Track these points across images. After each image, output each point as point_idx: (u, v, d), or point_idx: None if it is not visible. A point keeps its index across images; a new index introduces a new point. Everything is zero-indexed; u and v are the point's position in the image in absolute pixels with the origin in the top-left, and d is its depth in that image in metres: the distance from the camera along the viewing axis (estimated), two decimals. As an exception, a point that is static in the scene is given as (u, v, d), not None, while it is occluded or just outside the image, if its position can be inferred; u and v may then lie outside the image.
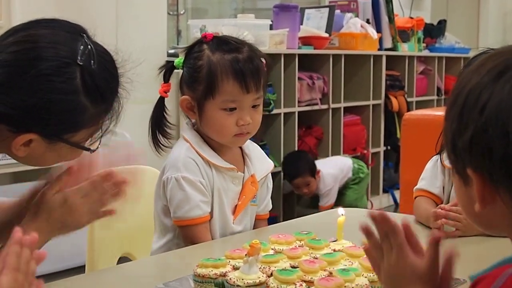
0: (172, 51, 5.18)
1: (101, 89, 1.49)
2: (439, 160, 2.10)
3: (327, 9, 5.65)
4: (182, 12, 6.31)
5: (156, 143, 1.99)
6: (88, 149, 1.51)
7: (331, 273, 1.44)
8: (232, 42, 1.93)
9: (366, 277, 1.43)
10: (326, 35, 5.48)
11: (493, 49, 1.92)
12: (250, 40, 4.84)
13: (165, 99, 2.04)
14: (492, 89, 0.87)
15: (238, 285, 1.41)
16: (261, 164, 2.05)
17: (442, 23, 7.13)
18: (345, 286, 1.38)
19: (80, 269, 2.07)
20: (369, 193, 5.75)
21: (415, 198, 2.13)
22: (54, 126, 1.43)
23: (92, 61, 1.47)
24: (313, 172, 5.00)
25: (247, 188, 1.97)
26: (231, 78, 1.87)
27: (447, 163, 2.05)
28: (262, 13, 5.99)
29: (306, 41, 5.32)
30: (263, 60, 1.94)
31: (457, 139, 0.91)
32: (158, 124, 2.00)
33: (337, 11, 5.74)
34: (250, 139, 2.01)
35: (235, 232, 1.95)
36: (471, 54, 6.95)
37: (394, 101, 6.00)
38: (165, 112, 2.02)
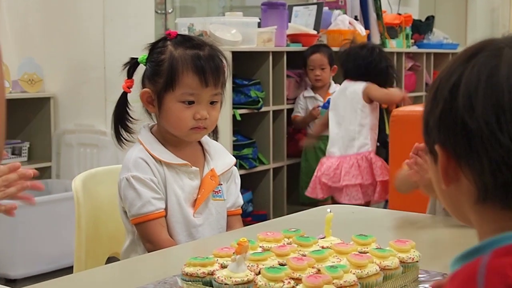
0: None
1: None
2: None
3: (315, 6, 5.65)
4: (170, 11, 6.30)
5: (118, 137, 2.06)
6: None
7: (319, 270, 1.44)
8: (195, 39, 2.02)
9: (354, 273, 1.43)
10: (315, 32, 5.48)
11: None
12: (238, 38, 4.86)
13: (129, 94, 2.09)
14: (462, 69, 0.90)
15: (226, 284, 1.40)
16: (222, 159, 2.09)
17: (430, 19, 7.14)
18: (333, 283, 1.37)
19: (68, 270, 2.06)
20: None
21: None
22: None
23: None
24: (331, 60, 5.07)
25: (206, 182, 2.02)
26: (191, 72, 1.94)
27: None
28: (250, 10, 5.99)
29: (294, 38, 5.32)
30: (224, 61, 2.00)
31: (429, 118, 0.94)
32: (121, 119, 2.06)
33: (325, 8, 5.74)
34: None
35: (197, 225, 1.98)
36: (460, 49, 6.96)
37: (383, 97, 6.00)
38: (128, 107, 2.07)
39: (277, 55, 5.01)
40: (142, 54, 2.04)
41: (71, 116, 4.78)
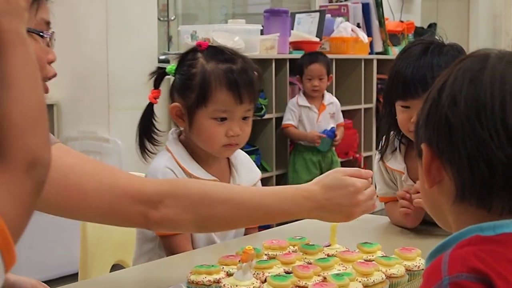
0: (163, 57, 5.17)
1: None
2: (379, 160, 2.12)
3: (317, 14, 5.66)
4: (172, 18, 6.30)
5: (143, 149, 1.97)
6: (40, 32, 1.46)
7: (325, 278, 1.44)
8: (226, 52, 1.93)
9: (360, 281, 1.43)
10: (317, 39, 5.48)
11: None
12: (240, 45, 4.86)
13: (154, 105, 2.02)
14: (450, 71, 0.96)
15: (232, 292, 1.40)
16: (248, 173, 2.03)
17: (432, 27, 7.15)
18: (339, 291, 1.37)
19: (73, 277, 2.06)
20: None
21: (385, 204, 2.16)
22: None
23: None
24: (329, 69, 5.01)
25: None
26: (224, 88, 1.87)
27: (388, 163, 2.10)
28: (253, 18, 6.00)
29: (297, 45, 5.32)
30: (256, 73, 1.93)
31: (420, 118, 0.99)
32: (146, 131, 1.98)
33: (328, 16, 5.75)
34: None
35: (218, 238, 1.95)
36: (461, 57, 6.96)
37: (385, 104, 6.00)
38: (154, 119, 1.99)
39: (279, 62, 5.01)
40: (171, 64, 1.98)
41: (74, 123, 4.78)
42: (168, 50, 5.92)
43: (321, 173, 5.31)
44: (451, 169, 0.93)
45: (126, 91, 4.68)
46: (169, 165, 1.90)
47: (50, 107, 4.76)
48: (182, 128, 1.98)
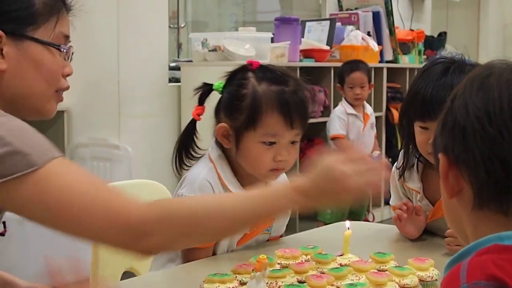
0: (173, 64, 5.18)
1: None
2: (395, 171, 2.11)
3: (328, 22, 5.66)
4: (182, 25, 6.32)
5: (180, 166, 1.92)
6: (57, 46, 1.48)
7: (338, 287, 1.44)
8: (278, 72, 1.86)
9: (374, 291, 1.43)
10: (327, 47, 5.49)
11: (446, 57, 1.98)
12: (251, 53, 4.87)
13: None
14: (461, 84, 1.00)
15: (245, 301, 1.40)
16: None
17: (442, 35, 7.15)
18: (353, 301, 1.37)
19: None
20: (370, 205, 5.73)
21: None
22: (10, 19, 1.41)
23: None
24: (370, 77, 4.95)
25: None
26: (276, 112, 1.80)
27: (405, 182, 2.08)
28: (263, 26, 6.01)
29: (307, 53, 5.32)
30: (308, 95, 1.86)
31: (436, 130, 1.02)
32: (186, 148, 1.92)
33: (338, 24, 5.75)
34: None
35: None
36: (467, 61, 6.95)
37: (395, 113, 5.99)
38: (196, 136, 1.93)
39: (290, 70, 5.01)
40: (218, 81, 1.90)
41: (84, 129, 4.79)
42: (178, 57, 5.93)
43: None
44: (467, 174, 0.95)
45: (137, 98, 4.69)
46: (209, 178, 1.85)
47: (61, 113, 4.77)
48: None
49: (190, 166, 1.91)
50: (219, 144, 1.89)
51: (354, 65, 4.97)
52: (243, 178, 1.89)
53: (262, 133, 1.80)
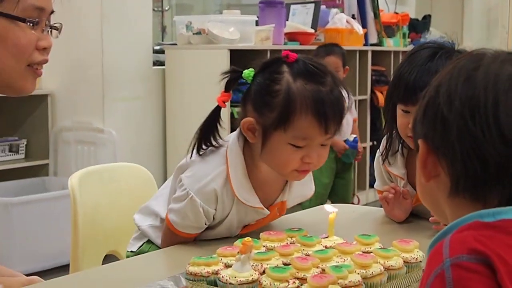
0: (157, 47, 5.16)
1: None
2: (379, 157, 2.11)
3: (312, 5, 5.65)
4: (166, 9, 6.29)
5: (198, 151, 1.78)
6: (21, 19, 1.45)
7: (323, 270, 1.44)
8: (315, 68, 1.69)
9: (358, 273, 1.43)
10: (312, 30, 5.48)
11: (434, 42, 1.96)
12: (236, 36, 4.84)
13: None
14: (447, 70, 0.99)
15: (230, 283, 1.40)
16: (300, 189, 1.89)
17: (427, 18, 7.16)
18: (338, 283, 1.37)
19: (65, 268, 2.05)
20: (355, 188, 5.75)
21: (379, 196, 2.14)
22: None
23: None
24: (345, 61, 4.81)
25: (270, 214, 1.84)
26: (310, 115, 1.65)
27: (389, 167, 2.08)
28: (248, 9, 5.99)
29: (292, 37, 5.32)
30: (344, 93, 1.74)
31: (417, 114, 1.02)
32: (207, 135, 1.78)
33: (323, 7, 5.75)
34: None
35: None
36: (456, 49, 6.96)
37: (380, 96, 6.01)
38: (219, 124, 1.78)
39: (274, 53, 4.98)
40: (248, 70, 1.74)
41: (68, 113, 4.77)
42: (163, 41, 5.91)
43: (336, 177, 5.06)
44: (446, 164, 0.96)
45: (121, 81, 4.67)
46: (218, 188, 1.73)
47: (45, 97, 4.75)
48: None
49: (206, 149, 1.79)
50: (241, 141, 1.78)
51: (329, 49, 4.84)
52: (257, 175, 1.78)
53: (292, 135, 1.67)
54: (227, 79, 1.76)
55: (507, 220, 0.90)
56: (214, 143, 1.77)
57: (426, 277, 0.88)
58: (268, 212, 1.82)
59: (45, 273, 3.73)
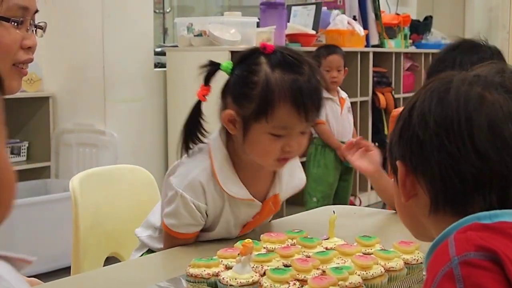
0: (158, 49, 5.16)
1: None
2: None
3: (313, 6, 5.65)
4: (168, 10, 6.30)
5: (186, 149, 1.80)
6: (5, 19, 1.46)
7: (324, 271, 1.44)
8: (292, 57, 1.71)
9: (359, 275, 1.43)
10: (313, 32, 5.48)
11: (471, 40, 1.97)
12: (237, 37, 4.84)
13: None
14: (420, 93, 1.05)
15: (231, 285, 1.40)
16: (291, 181, 1.91)
17: (428, 19, 7.15)
18: (338, 285, 1.37)
19: (66, 270, 2.05)
20: (357, 189, 5.75)
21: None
22: None
23: None
24: (345, 62, 4.84)
25: (265, 209, 1.85)
26: (289, 104, 1.67)
27: None
28: (249, 10, 5.99)
29: (293, 38, 5.31)
30: (322, 81, 1.74)
31: (392, 136, 1.07)
32: (192, 131, 1.79)
33: (324, 8, 5.74)
34: None
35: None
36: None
37: (381, 97, 6.01)
38: (201, 118, 1.80)
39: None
40: (226, 61, 1.76)
41: (70, 115, 4.77)
42: (164, 43, 5.91)
43: (340, 176, 4.98)
44: (424, 182, 1.01)
45: (122, 83, 4.67)
46: (203, 179, 1.75)
47: (46, 99, 4.75)
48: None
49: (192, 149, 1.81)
50: (224, 135, 1.80)
51: (331, 48, 4.90)
52: (247, 167, 1.79)
53: (272, 125, 1.68)
54: (205, 72, 1.78)
55: (504, 222, 0.93)
56: (201, 138, 1.79)
57: (432, 277, 0.89)
58: (260, 204, 1.82)
59: (46, 275, 3.73)
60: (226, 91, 1.76)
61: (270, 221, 2.00)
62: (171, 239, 1.81)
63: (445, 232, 0.96)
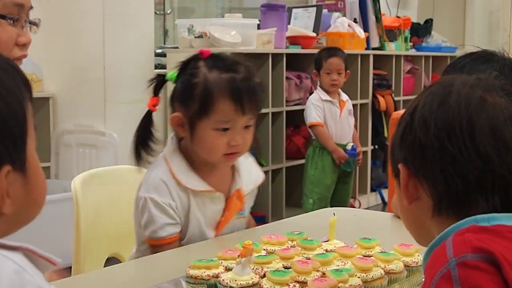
0: (159, 50, 5.17)
1: None
2: None
3: (314, 9, 5.65)
4: (168, 12, 6.30)
5: (138, 158, 1.91)
6: (9, 18, 1.47)
7: (324, 273, 1.44)
8: (228, 60, 1.89)
9: (359, 277, 1.43)
10: (314, 34, 5.48)
11: (480, 48, 1.96)
12: (237, 39, 4.85)
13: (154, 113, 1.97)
14: (420, 97, 1.06)
15: (231, 287, 1.40)
16: (250, 176, 2.00)
17: (428, 22, 7.15)
18: (338, 287, 1.37)
19: (66, 271, 2.05)
20: (357, 192, 5.75)
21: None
22: None
23: None
24: (346, 65, 4.83)
25: (231, 204, 1.94)
26: (227, 99, 1.82)
27: None
28: (249, 12, 6.00)
29: (293, 40, 5.32)
30: (259, 80, 1.90)
31: (394, 140, 1.08)
32: (143, 139, 1.92)
33: (325, 11, 5.74)
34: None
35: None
36: (458, 53, 6.97)
37: (381, 100, 6.01)
38: (152, 127, 1.93)
39: (276, 57, 5.01)
40: (171, 71, 1.91)
41: (70, 116, 4.77)
42: (164, 44, 5.91)
43: (338, 182, 5.01)
44: (427, 185, 1.01)
45: (123, 84, 4.67)
46: (164, 177, 1.87)
47: (46, 100, 4.75)
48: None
49: (149, 162, 1.93)
50: (175, 140, 1.93)
51: (332, 51, 4.89)
52: (202, 167, 1.91)
53: (215, 120, 1.83)
54: (154, 84, 1.94)
55: (501, 225, 0.94)
56: (151, 146, 1.91)
57: (430, 279, 0.90)
58: (223, 197, 1.92)
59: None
60: (173, 97, 1.91)
61: (247, 227, 2.04)
62: (156, 249, 1.85)
63: (442, 234, 0.97)
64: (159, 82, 1.94)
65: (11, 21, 1.49)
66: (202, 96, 1.83)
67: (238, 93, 1.82)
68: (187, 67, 1.89)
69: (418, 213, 1.05)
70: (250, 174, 2.01)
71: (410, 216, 1.08)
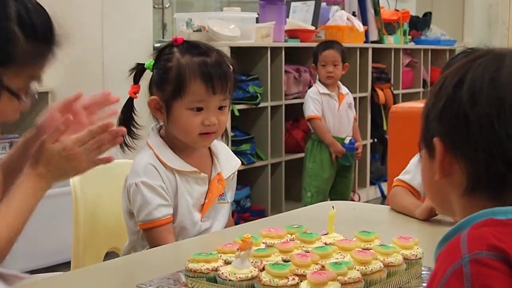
0: (157, 44, 5.16)
1: (35, 24, 1.53)
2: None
3: (313, 2, 5.65)
4: (167, 6, 6.28)
5: (123, 146, 2.00)
6: (16, 95, 1.52)
7: (323, 266, 1.44)
8: (201, 46, 1.99)
9: (358, 270, 1.43)
10: (312, 28, 5.48)
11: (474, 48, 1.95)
12: (236, 33, 4.84)
13: (135, 100, 2.06)
14: (467, 68, 0.99)
15: (230, 280, 1.40)
16: (228, 162, 2.10)
17: (427, 16, 7.15)
18: (337, 280, 1.37)
19: (66, 265, 2.05)
20: (356, 185, 5.75)
21: (394, 187, 2.16)
22: None
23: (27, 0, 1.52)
24: (344, 57, 4.83)
25: (213, 187, 2.03)
26: (198, 79, 1.92)
27: None
28: (248, 6, 5.98)
29: (292, 34, 5.32)
30: (231, 67, 1.99)
31: (430, 112, 1.02)
32: (126, 125, 1.99)
33: (323, 4, 5.74)
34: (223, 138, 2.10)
35: (203, 230, 1.99)
36: (457, 46, 6.97)
37: (380, 93, 6.01)
38: (134, 113, 2.03)
39: (275, 50, 5.00)
40: (148, 60, 2.02)
41: (69, 110, 4.76)
42: (163, 38, 5.90)
43: (337, 175, 5.04)
44: (465, 164, 0.96)
45: (122, 79, 4.65)
46: (151, 161, 1.96)
47: (45, 94, 4.75)
48: (162, 123, 2.03)
49: (134, 148, 2.02)
50: (156, 129, 2.03)
51: (328, 43, 4.90)
52: (182, 150, 2.00)
53: (188, 100, 1.93)
54: (134, 73, 2.04)
55: None
56: (134, 130, 2.01)
57: (442, 272, 0.89)
58: (206, 177, 2.02)
59: (47, 270, 3.73)
60: (151, 84, 2.01)
61: (233, 222, 2.16)
62: (151, 233, 1.92)
63: (459, 225, 0.95)
64: (138, 70, 2.05)
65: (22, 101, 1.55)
66: (176, 78, 1.93)
67: (208, 73, 1.92)
68: (162, 54, 2.00)
69: (446, 188, 1.01)
70: (228, 160, 2.10)
71: (437, 190, 1.04)
